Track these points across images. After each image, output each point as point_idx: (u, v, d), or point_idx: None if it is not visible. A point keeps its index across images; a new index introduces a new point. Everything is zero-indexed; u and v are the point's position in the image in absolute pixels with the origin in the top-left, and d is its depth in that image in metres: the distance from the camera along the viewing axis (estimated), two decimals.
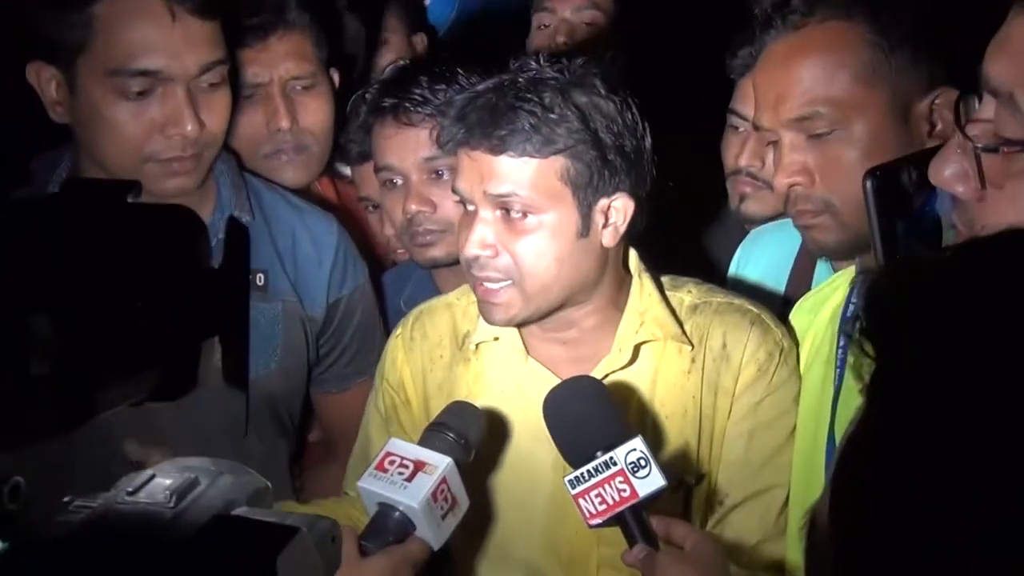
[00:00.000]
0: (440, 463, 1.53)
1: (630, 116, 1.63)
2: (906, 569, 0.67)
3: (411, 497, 1.50)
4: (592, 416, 1.54)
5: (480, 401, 1.72)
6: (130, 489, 0.86)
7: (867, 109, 1.56)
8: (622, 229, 1.66)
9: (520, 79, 1.62)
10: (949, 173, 1.13)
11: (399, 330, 1.87)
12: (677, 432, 1.69)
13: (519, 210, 1.61)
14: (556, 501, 1.65)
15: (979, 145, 1.10)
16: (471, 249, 1.63)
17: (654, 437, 1.68)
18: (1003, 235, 0.77)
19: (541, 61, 1.63)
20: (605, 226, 1.65)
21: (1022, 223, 1.01)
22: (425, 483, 1.51)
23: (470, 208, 1.65)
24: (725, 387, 1.69)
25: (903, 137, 1.56)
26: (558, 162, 1.59)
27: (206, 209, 1.98)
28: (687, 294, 1.74)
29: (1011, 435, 0.64)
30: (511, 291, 1.63)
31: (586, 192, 1.61)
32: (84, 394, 0.74)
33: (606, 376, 1.69)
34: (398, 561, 1.51)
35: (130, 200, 0.78)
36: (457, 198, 1.70)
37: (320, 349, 2.13)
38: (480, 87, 1.65)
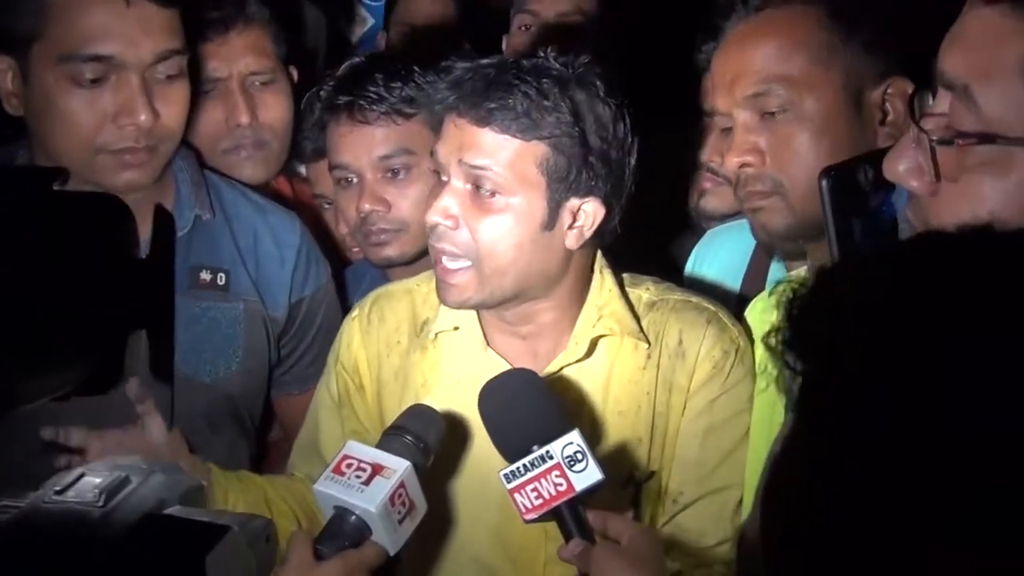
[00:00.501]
0: (398, 467, 1.50)
1: (622, 127, 1.62)
2: (860, 565, 0.67)
3: (368, 501, 1.47)
4: (529, 409, 1.51)
5: (435, 391, 1.70)
6: (58, 488, 0.84)
7: (820, 88, 1.56)
8: (587, 234, 1.65)
9: (524, 62, 1.62)
10: (904, 168, 1.13)
11: (356, 312, 1.84)
12: (630, 428, 1.68)
13: (489, 188, 1.60)
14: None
15: (934, 138, 1.09)
16: (432, 216, 1.62)
17: (606, 433, 1.67)
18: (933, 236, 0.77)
19: (548, 54, 1.62)
20: (571, 227, 1.63)
21: (976, 217, 1.00)
22: (383, 487, 1.48)
23: (443, 179, 1.64)
24: (680, 384, 1.68)
25: (855, 124, 1.57)
26: (539, 149, 1.59)
27: (165, 206, 1.94)
28: (645, 291, 1.73)
29: (965, 430, 0.65)
30: (469, 273, 1.62)
31: (560, 187, 1.60)
32: (5, 386, 0.71)
33: (561, 369, 1.68)
34: (353, 566, 1.48)
35: (56, 187, 0.76)
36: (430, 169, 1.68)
37: (282, 350, 2.10)
38: (484, 61, 1.64)
